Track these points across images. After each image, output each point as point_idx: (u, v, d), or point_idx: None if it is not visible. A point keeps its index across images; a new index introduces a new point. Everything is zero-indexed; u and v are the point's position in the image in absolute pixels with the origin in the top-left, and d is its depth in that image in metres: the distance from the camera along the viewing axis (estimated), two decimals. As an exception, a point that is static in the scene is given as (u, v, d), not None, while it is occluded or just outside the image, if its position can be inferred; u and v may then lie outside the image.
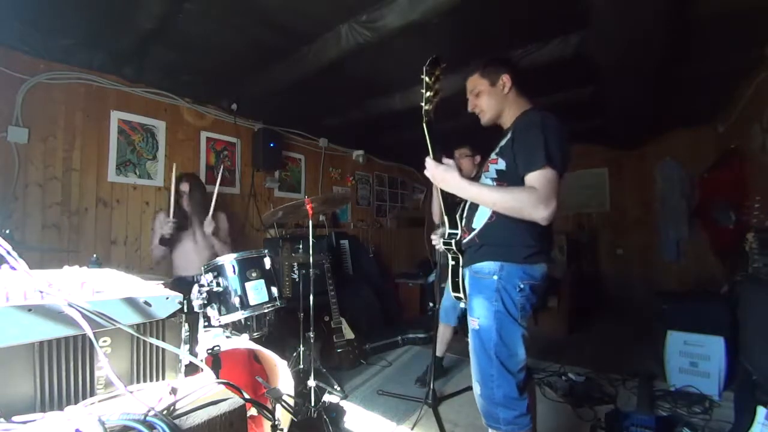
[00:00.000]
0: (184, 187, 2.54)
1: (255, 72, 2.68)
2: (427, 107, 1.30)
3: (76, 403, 0.56)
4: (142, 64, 2.52)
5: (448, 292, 2.56)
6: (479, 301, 1.31)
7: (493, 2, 1.90)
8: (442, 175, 1.30)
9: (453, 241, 1.44)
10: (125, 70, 2.56)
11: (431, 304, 2.67)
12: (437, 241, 1.51)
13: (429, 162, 1.33)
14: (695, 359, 2.36)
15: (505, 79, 1.39)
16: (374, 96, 3.16)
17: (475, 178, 1.51)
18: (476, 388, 1.32)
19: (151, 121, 2.81)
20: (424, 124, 1.31)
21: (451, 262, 1.49)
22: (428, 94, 1.29)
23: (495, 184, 1.33)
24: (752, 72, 2.73)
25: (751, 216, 2.47)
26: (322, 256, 2.85)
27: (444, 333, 2.60)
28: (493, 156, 1.38)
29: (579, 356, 2.99)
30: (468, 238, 1.40)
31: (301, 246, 2.70)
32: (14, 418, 0.50)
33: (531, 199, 1.16)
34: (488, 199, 1.25)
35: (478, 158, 2.58)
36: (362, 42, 2.07)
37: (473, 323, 1.32)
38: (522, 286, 1.26)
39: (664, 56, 2.28)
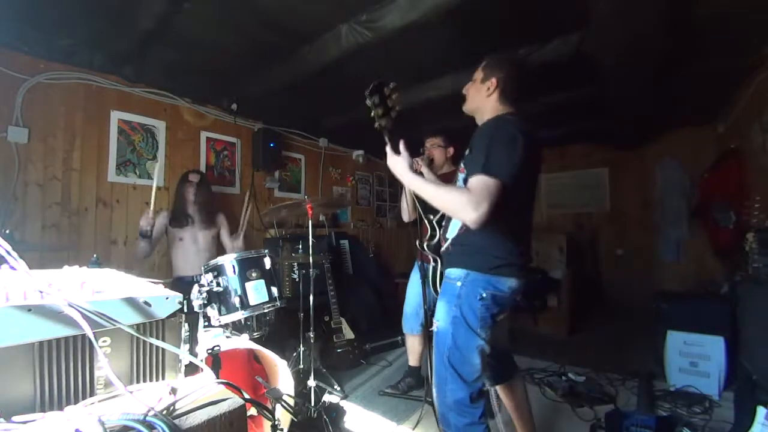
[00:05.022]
0: (194, 177, 2.54)
1: (255, 72, 2.67)
2: (381, 123, 1.33)
3: (76, 403, 0.56)
4: (142, 64, 2.52)
5: (410, 299, 2.54)
6: (442, 305, 1.35)
7: (492, 2, 1.90)
8: (391, 162, 1.35)
9: (426, 245, 1.58)
10: (125, 70, 2.55)
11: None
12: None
13: (388, 150, 1.36)
14: (695, 359, 2.36)
15: (492, 82, 1.37)
16: (374, 96, 3.16)
17: (450, 176, 1.55)
18: (433, 392, 1.36)
19: (151, 121, 2.80)
20: (385, 135, 1.36)
21: (432, 264, 1.64)
22: (374, 112, 1.34)
23: None
24: (752, 72, 2.72)
25: (751, 216, 2.47)
26: (322, 256, 2.85)
27: (412, 343, 2.53)
28: (461, 165, 1.41)
29: (579, 356, 2.99)
30: (444, 247, 1.46)
31: (301, 246, 2.70)
32: (14, 418, 0.50)
33: (461, 200, 1.14)
34: (425, 193, 1.25)
35: (451, 150, 2.40)
36: (362, 42, 2.07)
37: (435, 325, 1.36)
38: (484, 295, 1.26)
39: (664, 56, 2.28)
